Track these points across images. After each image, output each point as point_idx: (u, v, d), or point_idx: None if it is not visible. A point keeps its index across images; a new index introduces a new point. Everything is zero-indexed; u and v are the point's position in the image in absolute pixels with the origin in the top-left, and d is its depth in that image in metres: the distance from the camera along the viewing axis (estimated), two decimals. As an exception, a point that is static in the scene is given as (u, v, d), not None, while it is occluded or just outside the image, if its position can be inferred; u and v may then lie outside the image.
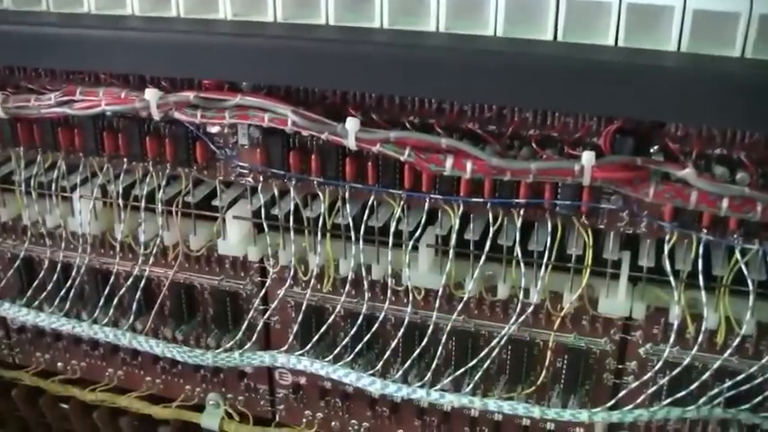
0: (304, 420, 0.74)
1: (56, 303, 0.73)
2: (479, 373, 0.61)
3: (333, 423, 0.73)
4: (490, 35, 0.53)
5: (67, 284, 0.71)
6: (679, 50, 0.49)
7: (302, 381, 0.72)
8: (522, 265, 0.57)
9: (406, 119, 0.58)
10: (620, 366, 0.63)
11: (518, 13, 0.52)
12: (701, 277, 0.54)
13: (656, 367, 0.58)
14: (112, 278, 0.71)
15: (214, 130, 0.63)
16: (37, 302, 0.74)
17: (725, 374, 0.58)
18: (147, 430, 0.80)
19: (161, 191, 0.65)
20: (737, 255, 0.54)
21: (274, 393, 0.74)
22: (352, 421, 0.72)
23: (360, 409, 0.71)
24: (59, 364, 0.81)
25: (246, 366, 0.72)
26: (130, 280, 0.69)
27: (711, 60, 0.48)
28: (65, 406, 0.82)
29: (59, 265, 0.72)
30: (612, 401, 0.60)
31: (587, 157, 0.52)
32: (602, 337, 0.62)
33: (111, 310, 0.70)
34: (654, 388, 0.59)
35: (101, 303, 0.71)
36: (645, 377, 0.59)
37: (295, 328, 0.67)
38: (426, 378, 0.63)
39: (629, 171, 0.52)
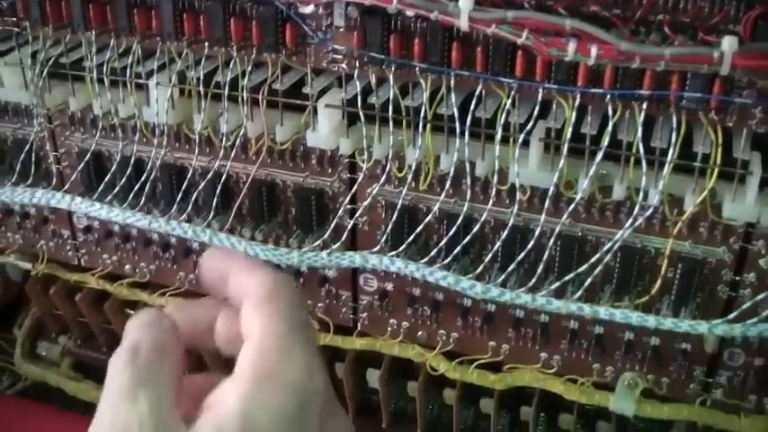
0: (388, 329, 0.72)
1: (127, 202, 0.71)
2: (587, 282, 0.59)
3: (419, 333, 0.71)
4: None
5: (140, 181, 0.69)
6: None
7: (389, 287, 0.70)
8: (643, 162, 0.54)
9: (524, -1, 0.55)
10: (736, 278, 0.60)
11: None
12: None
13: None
14: (189, 174, 0.69)
15: (308, 10, 0.59)
16: (107, 201, 0.72)
17: None
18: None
19: (246, 78, 0.62)
20: None
21: (357, 300, 0.72)
22: (441, 331, 0.70)
23: (450, 318, 0.69)
24: (127, 266, 0.80)
25: (331, 270, 0.70)
26: (208, 176, 0.68)
27: None
28: (131, 312, 0.81)
29: (132, 161, 0.70)
30: (734, 314, 0.57)
31: (729, 43, 0.48)
32: (719, 246, 0.60)
33: (188, 209, 0.69)
34: (777, 300, 0.56)
35: (175, 202, 0.70)
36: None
37: (386, 229, 0.65)
38: (529, 285, 0.61)
39: (774, 60, 0.49)
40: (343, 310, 0.73)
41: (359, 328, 0.74)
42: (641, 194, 0.56)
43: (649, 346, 0.65)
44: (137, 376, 0.36)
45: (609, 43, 0.50)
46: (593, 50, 0.51)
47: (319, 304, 0.73)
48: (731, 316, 0.57)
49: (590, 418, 0.74)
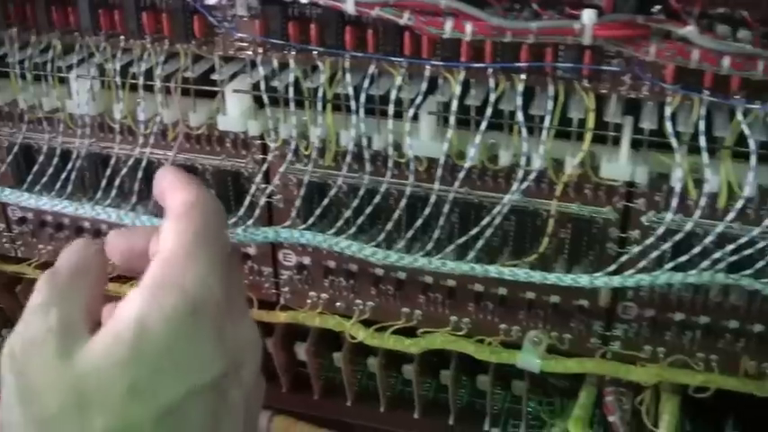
0: (309, 302, 0.78)
1: (55, 191, 0.76)
2: (481, 243, 0.65)
3: (338, 304, 0.77)
4: None
5: (67, 170, 0.74)
6: None
7: (306, 260, 0.76)
8: (523, 130, 0.60)
9: (407, -18, 0.60)
10: (623, 235, 0.66)
11: None
12: (701, 138, 0.57)
13: (658, 233, 0.62)
14: (113, 162, 0.73)
15: (212, 1, 0.65)
16: (36, 190, 0.77)
17: (727, 240, 0.61)
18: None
19: (159, 67, 0.67)
20: (739, 116, 0.56)
21: (278, 275, 0.78)
22: (357, 301, 0.76)
23: (365, 287, 0.75)
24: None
25: (251, 247, 0.76)
26: (130, 163, 0.72)
27: None
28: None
29: (58, 151, 0.75)
30: (614, 266, 0.63)
31: (588, 15, 0.54)
32: (605, 206, 0.65)
33: (113, 195, 0.74)
34: (655, 254, 0.62)
35: (101, 189, 0.74)
36: (646, 242, 0.62)
37: (297, 205, 0.70)
38: (428, 248, 0.67)
39: (631, 29, 0.55)
40: (266, 285, 0.78)
41: (282, 302, 0.79)
42: (525, 160, 0.61)
43: (549, 304, 0.71)
44: (50, 295, 0.41)
45: (481, 20, 0.56)
46: (468, 27, 0.56)
47: (244, 281, 0.78)
48: (610, 269, 0.63)
49: (507, 380, 0.80)
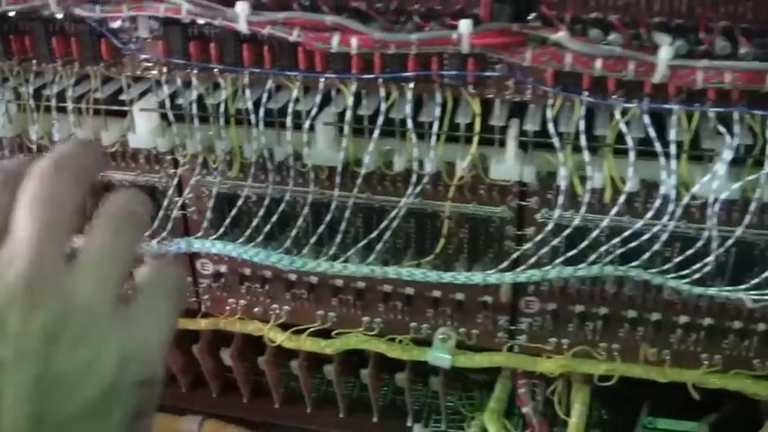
0: (228, 308, 0.80)
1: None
2: (381, 245, 0.68)
3: (255, 309, 0.79)
4: None
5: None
6: None
7: (222, 269, 0.78)
8: (413, 136, 0.63)
9: (296, 1, 0.62)
10: (519, 233, 0.69)
11: None
12: (582, 138, 0.60)
13: (548, 229, 0.65)
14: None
15: (116, 25, 0.67)
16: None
17: (617, 233, 0.64)
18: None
19: (70, 89, 0.70)
20: (617, 115, 0.59)
21: (198, 284, 0.80)
22: (273, 305, 0.79)
23: (279, 292, 0.78)
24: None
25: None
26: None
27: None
28: None
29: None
30: (506, 263, 0.66)
31: (464, 25, 0.57)
32: (499, 206, 0.68)
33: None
34: (545, 249, 0.65)
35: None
36: (537, 238, 0.65)
37: (209, 216, 0.73)
38: (333, 252, 0.69)
39: (507, 37, 0.58)
40: (186, 294, 0.80)
41: (203, 309, 0.81)
42: (417, 164, 0.64)
43: (455, 301, 0.73)
44: None
45: (365, 34, 0.59)
46: (354, 41, 0.59)
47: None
48: (503, 265, 0.66)
49: (425, 376, 0.83)
